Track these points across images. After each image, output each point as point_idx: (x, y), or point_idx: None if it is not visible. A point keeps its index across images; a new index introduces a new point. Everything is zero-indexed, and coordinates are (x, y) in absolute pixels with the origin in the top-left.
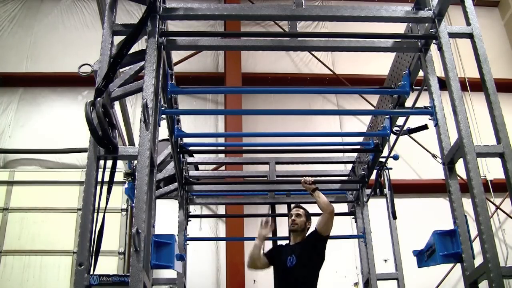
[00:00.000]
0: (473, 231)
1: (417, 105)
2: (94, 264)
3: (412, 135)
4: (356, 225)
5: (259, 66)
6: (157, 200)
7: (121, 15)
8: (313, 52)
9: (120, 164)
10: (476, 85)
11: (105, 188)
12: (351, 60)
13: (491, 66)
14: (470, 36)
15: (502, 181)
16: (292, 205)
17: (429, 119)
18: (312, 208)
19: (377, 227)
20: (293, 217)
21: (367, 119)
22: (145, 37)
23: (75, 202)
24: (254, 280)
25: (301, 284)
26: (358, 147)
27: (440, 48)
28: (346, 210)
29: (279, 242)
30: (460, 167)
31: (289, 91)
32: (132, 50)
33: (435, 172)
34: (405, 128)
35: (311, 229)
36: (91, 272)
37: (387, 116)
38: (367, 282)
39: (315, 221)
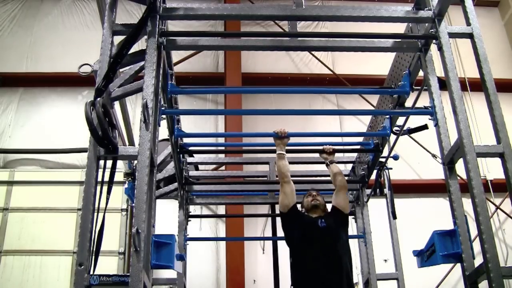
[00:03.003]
0: (473, 231)
1: (417, 105)
2: (94, 264)
3: (412, 135)
4: (356, 225)
5: (259, 66)
6: (157, 200)
7: (121, 15)
8: (313, 52)
9: (120, 164)
10: (476, 85)
11: (105, 188)
12: (351, 60)
13: (491, 66)
14: (470, 36)
15: (502, 181)
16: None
17: (429, 119)
18: None
19: (377, 227)
20: (313, 193)
21: (367, 119)
22: (145, 37)
23: (75, 202)
24: (254, 280)
25: (339, 245)
26: (358, 147)
27: (440, 48)
28: None
29: (279, 243)
30: (460, 167)
31: (289, 91)
32: (132, 50)
33: (435, 172)
34: (405, 128)
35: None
36: (91, 272)
37: (387, 116)
38: (367, 282)
39: None
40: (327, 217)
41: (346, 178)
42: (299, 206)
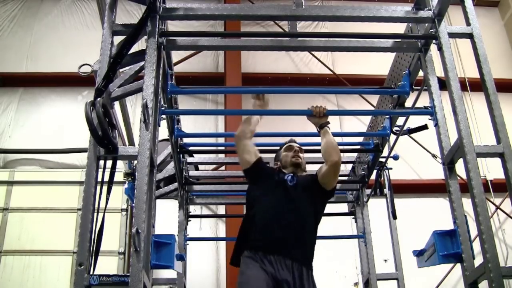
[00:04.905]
0: (473, 231)
1: (417, 105)
2: (94, 264)
3: (412, 135)
4: (356, 225)
5: (259, 66)
6: (157, 200)
7: (121, 15)
8: (313, 52)
9: (120, 164)
10: (476, 85)
11: (105, 188)
12: (351, 60)
13: (491, 66)
14: (470, 36)
15: (502, 181)
16: (286, 140)
17: (429, 119)
18: None
19: (377, 227)
20: (295, 149)
21: (367, 119)
22: (145, 37)
23: (75, 202)
24: None
25: (307, 211)
26: (358, 147)
27: (440, 48)
28: (346, 210)
29: None
30: (460, 167)
31: (289, 91)
32: (132, 50)
33: (435, 172)
34: (405, 128)
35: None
36: (91, 272)
37: (387, 116)
38: (367, 282)
39: None
40: (302, 178)
41: (346, 178)
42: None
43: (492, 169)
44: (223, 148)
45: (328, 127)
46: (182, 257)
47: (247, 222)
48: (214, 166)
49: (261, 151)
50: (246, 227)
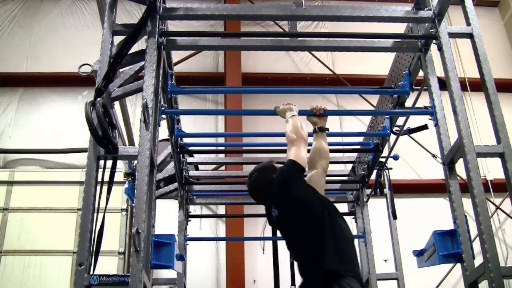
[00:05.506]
0: (473, 231)
1: (417, 105)
2: (94, 264)
3: (412, 135)
4: (356, 225)
5: (259, 66)
6: (157, 200)
7: (121, 15)
8: (313, 52)
9: (120, 164)
10: (476, 85)
11: (105, 188)
12: (351, 60)
13: (491, 66)
14: (470, 36)
15: (502, 181)
16: None
17: (429, 119)
18: None
19: (377, 227)
20: None
21: (367, 119)
22: (145, 37)
23: (75, 202)
24: (254, 280)
25: None
26: (358, 147)
27: (440, 48)
28: (346, 210)
29: (279, 243)
30: (460, 167)
31: (289, 91)
32: (132, 50)
33: (435, 172)
34: (405, 128)
35: None
36: (91, 272)
37: (387, 116)
38: (367, 282)
39: None
40: None
41: (346, 178)
42: None
43: (492, 169)
44: (223, 148)
45: (326, 130)
46: (182, 257)
47: (339, 237)
48: (214, 166)
49: (261, 151)
50: (338, 242)
